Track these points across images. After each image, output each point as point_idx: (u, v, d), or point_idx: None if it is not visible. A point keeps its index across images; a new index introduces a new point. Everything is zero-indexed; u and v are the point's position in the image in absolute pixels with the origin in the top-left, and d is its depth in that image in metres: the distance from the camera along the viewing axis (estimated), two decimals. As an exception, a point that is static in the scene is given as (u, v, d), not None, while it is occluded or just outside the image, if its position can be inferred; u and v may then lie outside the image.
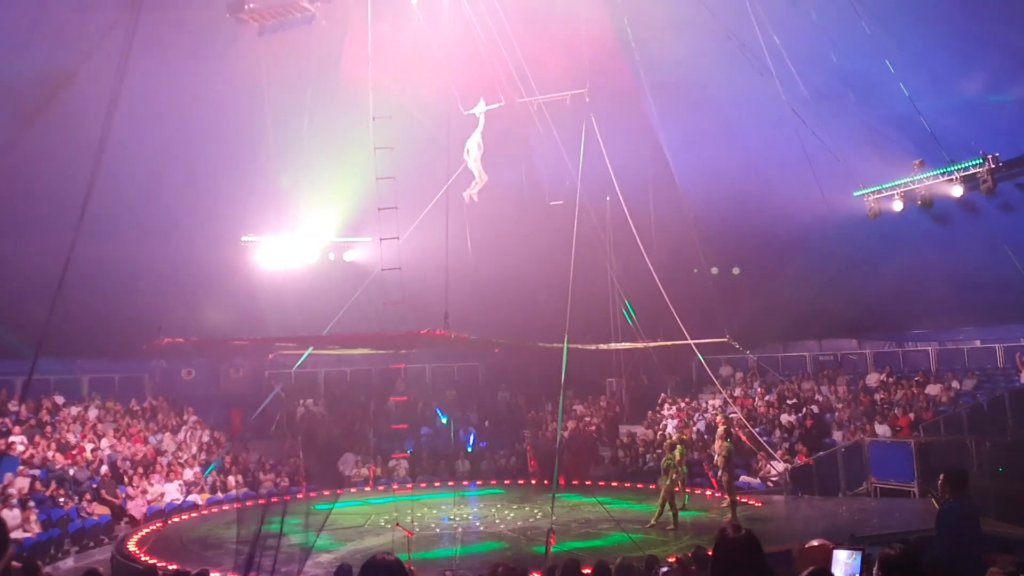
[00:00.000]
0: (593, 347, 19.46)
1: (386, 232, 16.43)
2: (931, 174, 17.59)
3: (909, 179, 17.95)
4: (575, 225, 16.30)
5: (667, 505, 15.62)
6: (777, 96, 16.98)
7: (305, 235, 22.26)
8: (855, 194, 18.94)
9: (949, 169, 17.17)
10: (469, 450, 24.94)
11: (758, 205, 21.19)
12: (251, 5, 17.34)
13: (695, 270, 21.12)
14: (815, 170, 17.70)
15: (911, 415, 19.75)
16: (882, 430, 19.50)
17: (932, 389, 20.75)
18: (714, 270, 21.39)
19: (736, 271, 22.22)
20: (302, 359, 20.58)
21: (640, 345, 19.59)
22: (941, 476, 7.11)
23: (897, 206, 18.36)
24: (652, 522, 15.71)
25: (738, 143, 20.99)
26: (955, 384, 20.81)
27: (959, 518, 6.81)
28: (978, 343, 22.70)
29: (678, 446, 17.30)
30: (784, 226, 21.08)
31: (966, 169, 16.86)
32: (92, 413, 22.13)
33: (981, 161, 16.57)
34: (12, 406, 20.66)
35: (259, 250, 22.36)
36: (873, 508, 17.11)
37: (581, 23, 18.96)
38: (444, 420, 24.96)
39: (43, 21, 17.53)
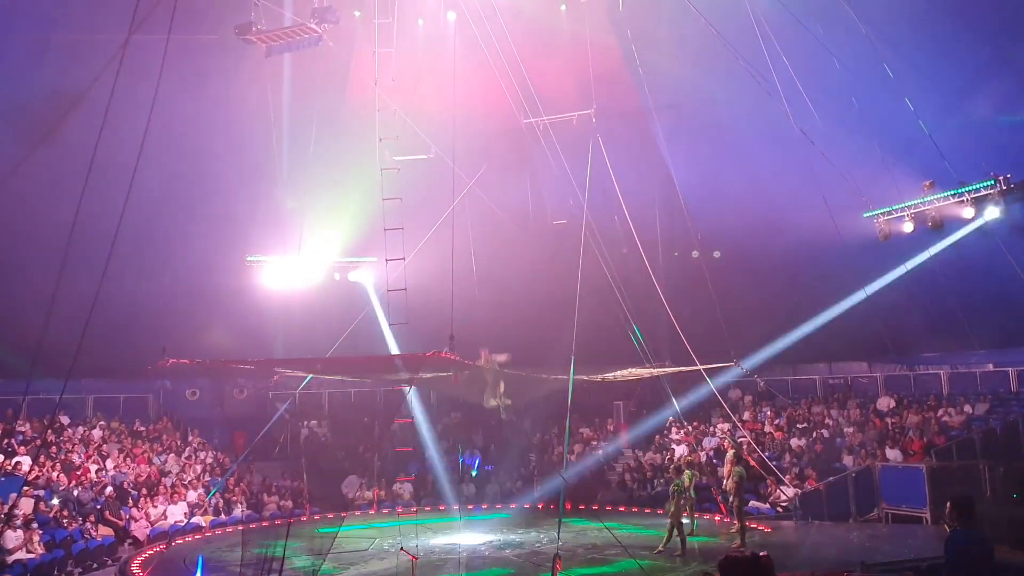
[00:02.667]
0: (600, 378, 19.27)
1: (392, 253, 16.38)
2: (942, 195, 17.49)
3: (919, 200, 17.86)
4: (581, 246, 16.22)
5: (675, 530, 15.38)
6: (785, 117, 16.93)
7: (310, 255, 22.22)
8: (865, 215, 18.84)
9: (960, 191, 17.07)
10: (474, 474, 24.72)
11: (766, 226, 21.08)
12: (259, 26, 17.40)
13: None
14: (824, 191, 17.62)
15: (923, 440, 19.49)
16: (893, 455, 19.23)
17: (944, 413, 20.48)
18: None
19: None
20: (306, 380, 20.47)
21: (648, 373, 19.38)
22: (948, 503, 6.99)
23: (907, 227, 18.25)
24: (660, 548, 15.45)
25: (746, 164, 20.95)
26: (967, 408, 20.53)
27: (968, 546, 6.68)
28: (991, 366, 22.43)
29: (687, 471, 17.07)
30: (793, 247, 20.96)
31: (977, 191, 16.76)
32: (97, 433, 22.04)
33: (992, 183, 16.48)
34: (19, 426, 20.62)
35: (264, 270, 22.32)
36: (884, 534, 16.82)
37: (588, 45, 18.99)
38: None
39: (52, 42, 17.68)
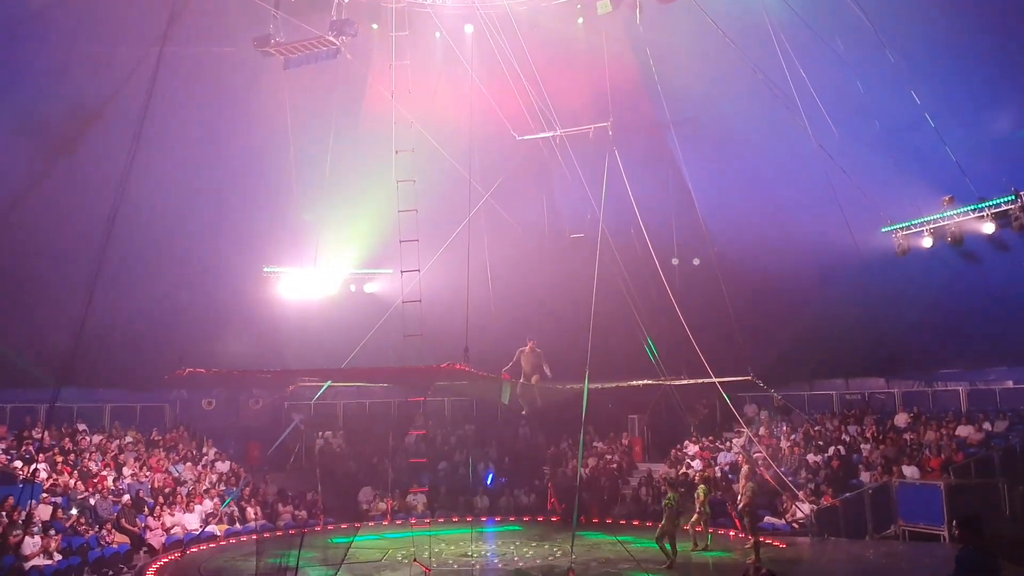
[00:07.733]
0: (614, 385, 19.21)
1: (407, 264, 16.46)
2: (961, 211, 17.40)
3: (939, 215, 17.77)
4: (597, 259, 16.20)
5: (668, 543, 15.26)
6: (803, 131, 16.88)
7: (326, 266, 22.31)
8: (883, 230, 18.74)
9: (980, 206, 16.98)
10: (488, 485, 24.69)
11: (784, 241, 20.98)
12: (277, 39, 17.55)
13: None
14: (842, 206, 17.53)
15: (941, 456, 19.27)
16: (910, 471, 19.02)
17: (963, 430, 20.25)
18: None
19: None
20: (321, 391, 20.50)
21: (663, 382, 19.32)
22: (955, 522, 6.99)
23: (926, 243, 18.15)
24: (669, 563, 15.35)
25: (764, 178, 20.86)
26: (987, 425, 20.30)
27: (976, 565, 6.66)
28: (1010, 383, 22.17)
29: (701, 485, 16.91)
30: (811, 262, 20.84)
31: (997, 206, 16.68)
32: (113, 442, 22.17)
33: (1013, 198, 16.39)
34: (36, 433, 20.78)
35: (281, 281, 22.44)
36: (902, 552, 16.64)
37: (605, 58, 19.02)
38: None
39: (72, 56, 17.86)
